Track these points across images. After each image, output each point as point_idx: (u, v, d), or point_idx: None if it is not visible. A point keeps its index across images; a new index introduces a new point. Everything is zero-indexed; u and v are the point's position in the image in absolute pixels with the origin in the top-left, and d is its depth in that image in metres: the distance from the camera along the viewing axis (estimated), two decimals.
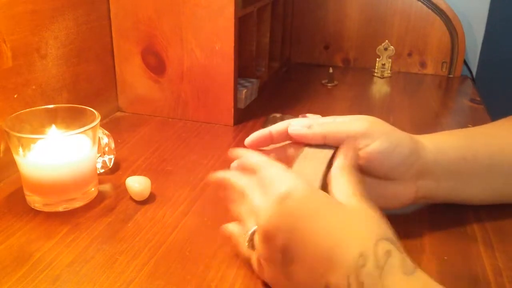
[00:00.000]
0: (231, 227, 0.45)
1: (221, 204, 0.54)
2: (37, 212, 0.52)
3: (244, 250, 0.42)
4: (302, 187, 0.37)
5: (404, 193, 0.49)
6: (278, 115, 0.80)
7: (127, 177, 0.55)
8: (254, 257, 0.41)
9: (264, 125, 0.50)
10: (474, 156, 0.49)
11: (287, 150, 0.47)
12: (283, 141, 0.49)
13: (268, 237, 0.36)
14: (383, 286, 0.31)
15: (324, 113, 0.80)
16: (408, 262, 0.33)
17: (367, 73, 1.12)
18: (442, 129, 0.82)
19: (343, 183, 0.39)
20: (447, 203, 0.52)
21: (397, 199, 0.49)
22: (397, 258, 0.32)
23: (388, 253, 0.32)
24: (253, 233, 0.39)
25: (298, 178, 0.38)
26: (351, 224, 0.35)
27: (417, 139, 0.49)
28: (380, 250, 0.32)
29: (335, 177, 0.40)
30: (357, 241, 0.33)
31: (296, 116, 0.78)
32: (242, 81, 0.87)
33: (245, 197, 0.41)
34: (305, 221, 0.35)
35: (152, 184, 0.55)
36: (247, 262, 0.43)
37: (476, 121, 0.85)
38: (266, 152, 0.47)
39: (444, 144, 0.50)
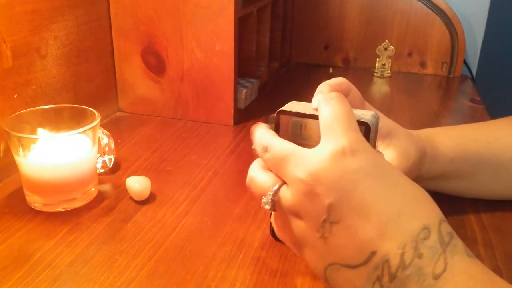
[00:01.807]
0: (259, 175, 0.38)
1: (221, 204, 0.54)
2: (37, 212, 0.52)
3: (264, 204, 0.37)
4: (365, 145, 0.33)
5: None
6: None
7: (127, 177, 0.55)
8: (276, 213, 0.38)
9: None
10: (463, 157, 0.51)
11: None
12: None
13: (316, 192, 0.32)
14: (446, 262, 0.30)
15: None
16: (467, 248, 0.32)
17: (367, 73, 1.12)
18: None
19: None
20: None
21: None
22: (459, 240, 0.31)
23: (451, 234, 0.31)
24: (277, 190, 0.36)
25: (359, 133, 0.34)
26: (416, 198, 0.33)
27: (423, 149, 0.49)
28: (444, 229, 0.31)
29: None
30: (422, 214, 0.31)
31: None
32: (242, 81, 0.87)
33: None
34: (367, 184, 0.32)
35: (152, 184, 0.55)
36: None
37: (476, 121, 0.84)
38: None
39: (439, 153, 0.50)
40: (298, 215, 0.35)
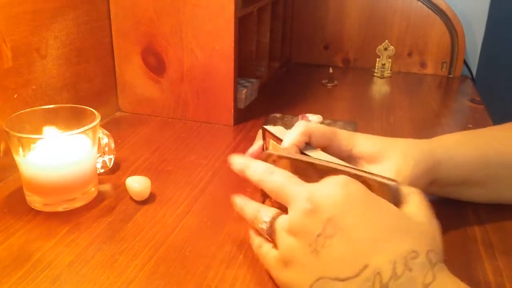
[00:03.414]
0: (252, 203, 0.43)
1: (221, 204, 0.54)
2: (37, 212, 0.52)
3: (261, 223, 0.40)
4: (359, 183, 0.37)
5: None
6: (278, 115, 0.80)
7: (127, 177, 0.55)
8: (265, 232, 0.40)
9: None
10: (484, 166, 0.50)
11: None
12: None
13: (317, 210, 0.35)
14: (434, 275, 0.31)
15: (324, 113, 0.80)
16: None
17: (367, 73, 1.12)
18: (442, 129, 0.82)
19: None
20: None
21: None
22: (445, 266, 0.33)
23: (439, 259, 0.33)
24: (277, 215, 0.39)
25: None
26: (409, 227, 0.35)
27: (431, 159, 0.48)
28: (431, 255, 0.33)
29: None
30: (411, 241, 0.33)
31: (296, 116, 0.78)
32: (242, 81, 0.87)
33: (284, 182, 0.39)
34: (364, 208, 0.35)
35: (152, 184, 0.55)
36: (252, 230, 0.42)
37: (476, 121, 0.85)
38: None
39: (457, 158, 0.49)
40: (292, 233, 0.37)
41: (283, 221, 0.38)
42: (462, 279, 0.43)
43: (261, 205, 0.42)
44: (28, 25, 0.60)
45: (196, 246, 0.46)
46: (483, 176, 0.51)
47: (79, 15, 0.69)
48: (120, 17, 0.76)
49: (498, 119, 0.57)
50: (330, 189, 0.36)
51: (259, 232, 0.41)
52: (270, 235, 0.39)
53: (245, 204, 0.43)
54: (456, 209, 0.53)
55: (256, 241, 0.42)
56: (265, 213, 0.40)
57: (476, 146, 0.51)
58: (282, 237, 0.37)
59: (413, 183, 0.46)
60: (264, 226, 0.39)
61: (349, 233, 0.34)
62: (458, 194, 0.53)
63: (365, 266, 0.33)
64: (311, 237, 0.35)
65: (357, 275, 0.33)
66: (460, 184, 0.51)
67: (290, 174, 0.40)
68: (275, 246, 0.39)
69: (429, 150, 0.48)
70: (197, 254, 0.45)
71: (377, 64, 1.11)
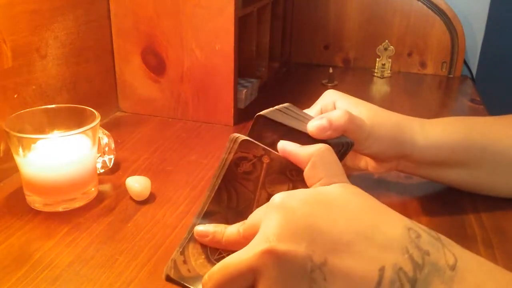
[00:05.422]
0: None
1: None
2: (37, 212, 0.52)
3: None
4: (292, 195, 0.33)
5: (383, 165, 0.52)
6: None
7: (127, 177, 0.55)
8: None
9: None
10: (467, 148, 0.51)
11: None
12: None
13: (287, 249, 0.29)
14: (453, 253, 0.29)
15: None
16: None
17: (367, 73, 1.12)
18: None
19: None
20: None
21: (375, 167, 0.52)
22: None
23: (430, 229, 0.30)
24: None
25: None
26: (377, 208, 0.32)
27: (408, 136, 0.50)
28: (422, 226, 0.30)
29: None
30: (395, 218, 0.30)
31: None
32: (242, 81, 0.87)
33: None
34: (323, 216, 0.31)
35: (152, 184, 0.55)
36: None
37: None
38: None
39: (435, 137, 0.50)
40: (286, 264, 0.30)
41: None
42: None
43: None
44: (28, 25, 0.60)
45: None
46: (464, 158, 0.51)
47: (79, 15, 0.69)
48: (120, 17, 0.76)
49: None
50: (277, 224, 0.30)
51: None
52: None
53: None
54: (456, 209, 0.53)
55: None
56: None
57: (461, 129, 0.51)
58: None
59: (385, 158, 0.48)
60: None
61: (337, 253, 0.29)
62: (436, 176, 0.54)
63: (382, 269, 0.29)
64: (306, 281, 0.29)
65: (379, 283, 0.29)
66: (438, 165, 0.52)
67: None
68: None
69: (398, 125, 0.51)
70: None
71: (377, 64, 1.11)
